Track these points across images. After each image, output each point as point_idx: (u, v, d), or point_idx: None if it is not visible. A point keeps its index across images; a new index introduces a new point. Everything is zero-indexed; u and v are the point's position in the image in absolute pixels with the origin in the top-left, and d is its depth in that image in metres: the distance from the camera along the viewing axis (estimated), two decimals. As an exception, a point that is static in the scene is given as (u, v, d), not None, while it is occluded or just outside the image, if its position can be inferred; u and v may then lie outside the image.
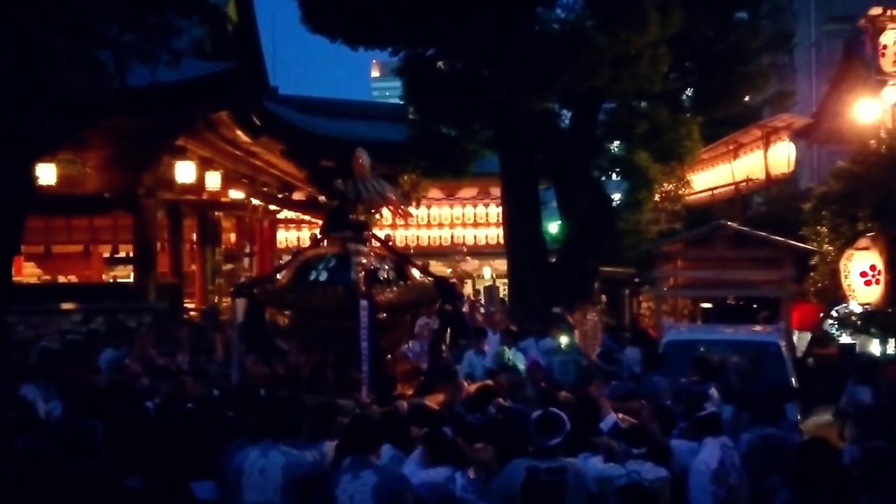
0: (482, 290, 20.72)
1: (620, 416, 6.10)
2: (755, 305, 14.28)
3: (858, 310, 10.40)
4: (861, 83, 14.21)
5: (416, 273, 8.04)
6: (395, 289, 7.49)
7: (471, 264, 22.57)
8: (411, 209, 17.40)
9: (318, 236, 8.31)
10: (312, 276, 7.44)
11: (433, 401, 6.65)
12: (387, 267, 7.66)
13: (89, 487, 4.66)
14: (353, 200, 7.55)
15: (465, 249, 22.00)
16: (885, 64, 12.97)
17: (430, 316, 10.20)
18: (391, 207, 7.93)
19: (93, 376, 7.44)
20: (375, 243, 7.92)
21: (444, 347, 8.36)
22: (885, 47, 12.95)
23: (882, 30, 13.04)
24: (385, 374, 7.50)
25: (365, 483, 4.30)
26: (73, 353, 8.90)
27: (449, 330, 8.58)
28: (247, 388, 6.92)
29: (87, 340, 10.82)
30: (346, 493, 4.28)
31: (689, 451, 5.38)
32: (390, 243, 8.68)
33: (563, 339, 10.91)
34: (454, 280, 12.19)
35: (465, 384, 7.24)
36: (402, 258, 8.11)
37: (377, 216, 9.14)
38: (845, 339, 12.01)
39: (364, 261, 7.43)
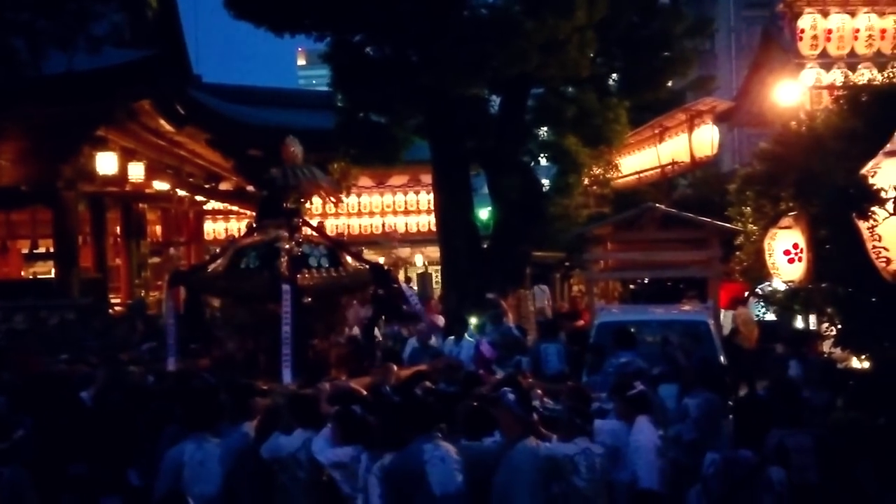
0: (415, 278, 20.70)
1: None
2: (681, 286, 14.57)
3: (782, 287, 10.64)
4: (779, 67, 14.56)
5: (350, 259, 8.02)
6: (324, 274, 7.50)
7: (403, 252, 22.51)
8: (342, 197, 17.27)
9: (253, 224, 8.29)
10: (244, 264, 7.43)
11: (362, 384, 6.67)
12: (318, 253, 7.65)
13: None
14: (285, 188, 7.50)
15: (399, 236, 21.94)
16: (803, 48, 13.32)
17: (363, 304, 10.18)
18: (323, 194, 7.88)
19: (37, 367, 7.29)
20: (308, 230, 7.89)
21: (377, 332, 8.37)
22: (802, 31, 13.29)
23: (799, 14, 13.37)
24: (315, 358, 7.48)
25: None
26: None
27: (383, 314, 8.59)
28: (181, 375, 6.85)
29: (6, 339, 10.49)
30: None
31: (620, 430, 5.47)
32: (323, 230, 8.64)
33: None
34: (389, 267, 12.19)
35: (396, 368, 7.30)
36: (336, 244, 8.09)
37: (307, 204, 9.08)
38: (770, 316, 12.35)
39: (287, 247, 7.41)
